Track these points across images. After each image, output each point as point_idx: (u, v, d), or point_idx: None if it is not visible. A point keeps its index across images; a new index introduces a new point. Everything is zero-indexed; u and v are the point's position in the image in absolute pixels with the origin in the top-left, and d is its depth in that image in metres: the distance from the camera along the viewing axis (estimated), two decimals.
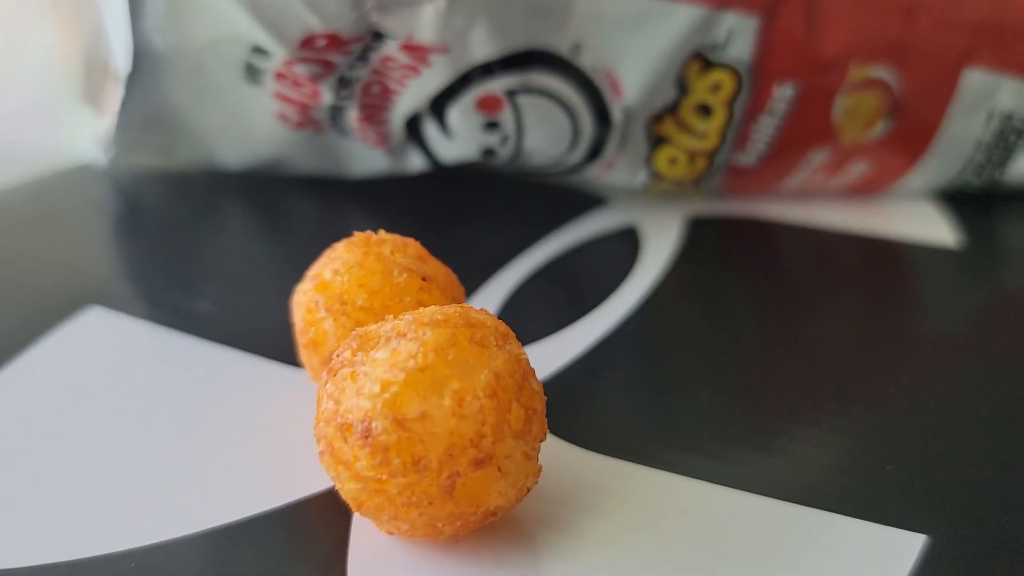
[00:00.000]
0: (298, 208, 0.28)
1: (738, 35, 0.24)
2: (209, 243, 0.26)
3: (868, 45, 0.26)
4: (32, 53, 0.35)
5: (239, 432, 0.18)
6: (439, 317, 0.15)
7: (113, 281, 0.24)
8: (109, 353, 0.20)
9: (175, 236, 0.27)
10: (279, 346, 0.20)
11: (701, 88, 0.25)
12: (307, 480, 0.17)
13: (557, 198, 0.29)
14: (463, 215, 0.28)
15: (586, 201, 0.29)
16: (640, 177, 0.27)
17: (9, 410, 0.19)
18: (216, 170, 0.29)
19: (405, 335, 0.14)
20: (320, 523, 0.16)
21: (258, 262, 0.25)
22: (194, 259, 0.25)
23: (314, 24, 0.22)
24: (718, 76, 0.25)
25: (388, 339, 0.15)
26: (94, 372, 0.20)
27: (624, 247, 0.26)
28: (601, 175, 0.27)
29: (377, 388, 0.14)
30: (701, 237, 0.27)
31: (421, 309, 0.15)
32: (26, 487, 0.16)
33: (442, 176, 0.28)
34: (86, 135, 0.29)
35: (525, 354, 0.15)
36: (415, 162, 0.27)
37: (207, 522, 0.16)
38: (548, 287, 0.24)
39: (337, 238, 0.18)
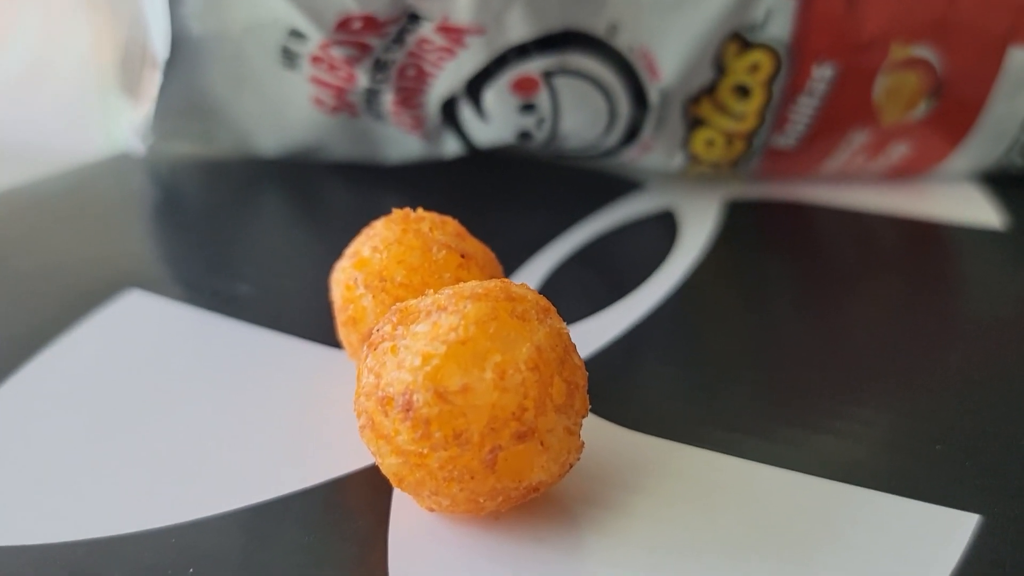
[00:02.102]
0: (334, 194, 0.28)
1: (776, 14, 0.24)
2: (246, 228, 0.26)
3: (910, 24, 0.25)
4: (68, 46, 0.35)
5: (278, 410, 0.18)
6: (480, 291, 0.15)
7: (152, 265, 0.24)
8: (149, 334, 0.20)
9: (213, 222, 0.27)
10: (317, 327, 0.20)
11: (739, 69, 0.25)
12: (346, 457, 0.16)
13: (593, 182, 0.29)
14: (499, 200, 0.28)
15: (622, 185, 0.28)
16: (677, 160, 0.27)
17: (51, 389, 0.19)
18: (252, 157, 0.29)
19: (446, 309, 0.14)
20: (360, 500, 0.16)
21: (295, 246, 0.25)
22: (231, 244, 0.25)
23: (351, 6, 0.22)
24: (756, 56, 0.25)
25: (429, 313, 0.14)
26: (135, 353, 0.20)
27: (661, 230, 0.26)
28: (637, 158, 0.27)
29: (418, 361, 0.14)
30: (739, 220, 0.26)
31: (461, 284, 0.15)
32: (69, 463, 0.17)
33: (477, 161, 0.28)
34: (124, 124, 0.30)
35: (566, 329, 0.15)
36: (450, 146, 0.27)
37: (247, 499, 0.16)
38: (585, 270, 0.24)
39: (371, 222, 0.18)
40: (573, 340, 0.16)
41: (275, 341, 0.20)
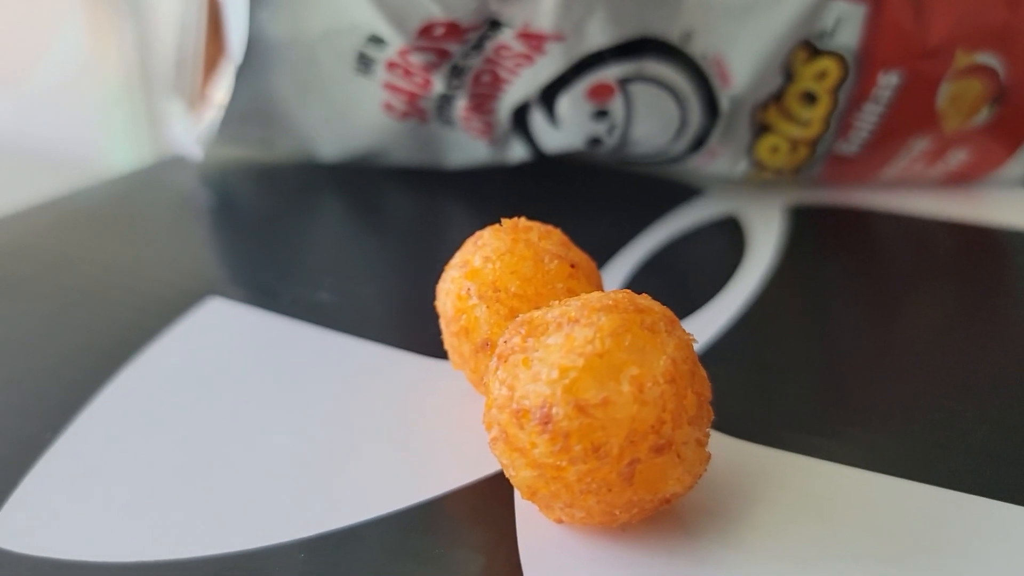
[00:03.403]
0: (394, 199, 0.28)
1: (846, 22, 0.24)
2: (311, 234, 0.26)
3: (974, 31, 0.25)
4: (109, 56, 0.35)
5: (386, 421, 0.18)
6: (609, 303, 0.15)
7: (226, 272, 0.24)
8: (239, 343, 0.20)
9: (276, 228, 0.26)
10: (406, 334, 0.20)
11: (807, 76, 0.25)
12: (461, 468, 0.16)
13: (653, 189, 0.29)
14: (560, 207, 0.28)
15: (682, 192, 0.28)
16: (741, 166, 0.27)
17: (149, 399, 0.18)
18: (305, 162, 0.29)
19: (578, 321, 0.14)
20: (481, 511, 0.16)
21: (365, 252, 0.25)
22: (301, 251, 0.25)
23: (435, 12, 0.22)
24: (824, 64, 0.25)
25: (560, 325, 0.14)
26: (228, 362, 0.20)
27: (727, 238, 0.26)
28: (703, 165, 0.27)
29: (555, 374, 0.14)
30: (805, 227, 0.26)
31: (586, 295, 0.15)
32: (182, 477, 0.16)
33: (535, 167, 0.28)
34: (179, 129, 0.29)
35: (693, 339, 0.15)
36: (517, 152, 0.27)
37: (368, 512, 0.16)
38: (658, 279, 0.24)
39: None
40: None
41: (366, 350, 0.20)
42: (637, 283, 0.23)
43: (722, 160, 0.27)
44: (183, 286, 0.22)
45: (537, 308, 0.15)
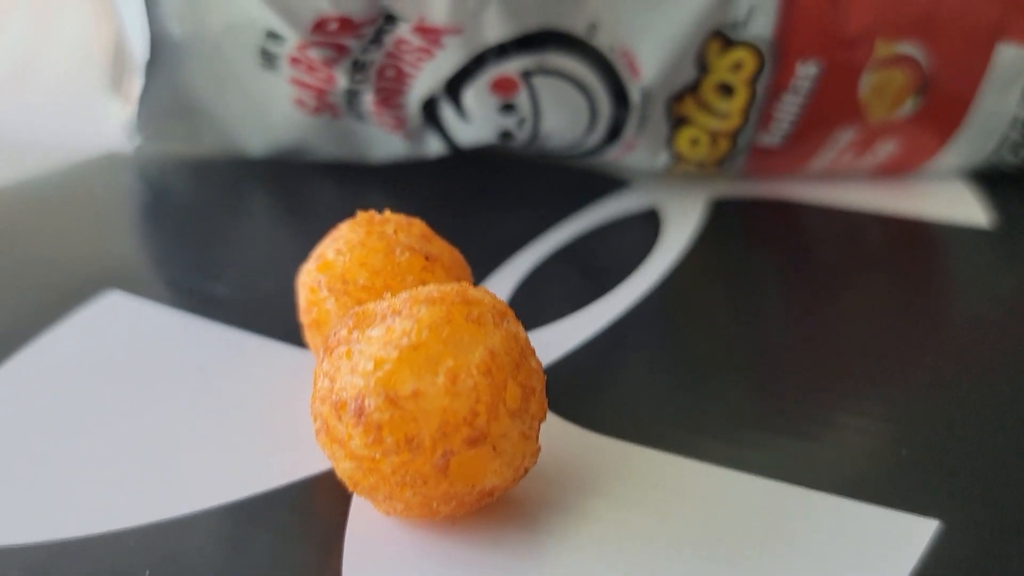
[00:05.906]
0: (320, 194, 0.28)
1: (759, 11, 0.24)
2: (231, 229, 0.26)
3: (895, 20, 0.25)
4: (59, 42, 0.35)
5: (245, 412, 0.18)
6: (435, 295, 0.15)
7: (134, 266, 0.24)
8: (124, 335, 0.21)
9: (199, 222, 0.27)
10: (289, 328, 0.20)
11: (722, 67, 0.25)
12: (312, 459, 0.17)
13: (580, 181, 0.29)
14: (484, 199, 0.28)
15: (608, 184, 0.28)
16: (662, 159, 0.27)
17: (26, 389, 0.19)
18: (240, 157, 0.29)
19: (400, 313, 0.14)
20: (323, 502, 0.16)
21: (277, 247, 0.26)
22: (215, 244, 0.25)
23: (325, 7, 0.22)
24: (739, 54, 0.25)
25: (384, 317, 0.14)
26: (108, 354, 0.20)
27: (645, 229, 0.26)
28: (621, 157, 0.27)
29: (371, 366, 0.14)
30: (724, 218, 0.26)
31: (419, 287, 0.15)
32: (31, 466, 0.17)
33: (463, 160, 0.28)
34: (113, 122, 0.30)
35: (524, 332, 0.15)
36: (433, 146, 0.27)
37: (209, 501, 0.16)
38: (566, 268, 0.24)
39: None
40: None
41: (247, 342, 0.20)
42: (544, 272, 0.23)
43: (641, 153, 0.26)
44: (88, 278, 0.23)
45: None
